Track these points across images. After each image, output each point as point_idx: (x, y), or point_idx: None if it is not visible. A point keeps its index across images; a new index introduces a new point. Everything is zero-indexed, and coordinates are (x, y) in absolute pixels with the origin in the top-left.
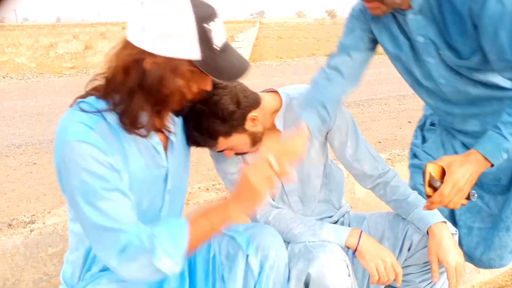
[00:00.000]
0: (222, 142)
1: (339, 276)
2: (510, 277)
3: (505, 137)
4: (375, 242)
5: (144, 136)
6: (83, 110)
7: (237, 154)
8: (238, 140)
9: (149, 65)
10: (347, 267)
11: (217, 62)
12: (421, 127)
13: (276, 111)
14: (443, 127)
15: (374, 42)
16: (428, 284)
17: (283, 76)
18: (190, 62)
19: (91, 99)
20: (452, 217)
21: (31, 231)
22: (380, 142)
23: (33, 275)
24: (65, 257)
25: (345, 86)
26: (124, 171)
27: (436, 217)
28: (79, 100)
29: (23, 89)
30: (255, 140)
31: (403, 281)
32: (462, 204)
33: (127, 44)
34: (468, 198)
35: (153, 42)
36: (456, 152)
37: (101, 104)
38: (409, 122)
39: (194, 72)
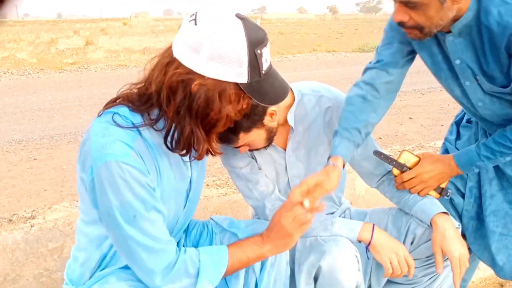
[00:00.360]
0: (242, 138)
1: (350, 271)
2: None
3: (480, 158)
4: (388, 235)
5: (183, 155)
6: (118, 125)
7: (250, 150)
8: (257, 135)
9: (196, 87)
10: (358, 262)
11: (262, 86)
12: (458, 123)
13: (289, 106)
14: (480, 126)
15: (413, 53)
16: (430, 278)
17: (285, 72)
18: (236, 85)
19: (125, 111)
20: (478, 218)
21: (31, 226)
22: (380, 138)
23: (34, 271)
24: (72, 254)
25: (380, 107)
26: (157, 187)
27: (437, 207)
28: (109, 111)
29: (24, 85)
30: (271, 135)
31: (405, 276)
32: (431, 195)
33: (173, 61)
34: (441, 194)
35: (203, 63)
36: None
37: (136, 118)
38: (410, 118)
39: (239, 95)
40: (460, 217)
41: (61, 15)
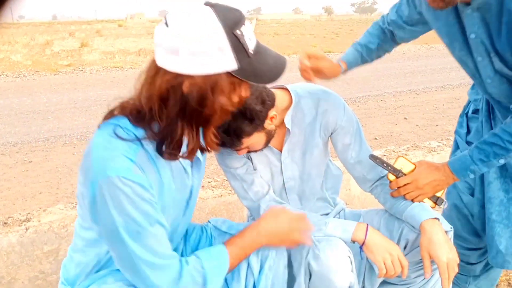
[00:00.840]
0: (244, 142)
1: (343, 271)
2: (504, 272)
3: (473, 161)
4: (381, 235)
5: (180, 158)
6: (120, 137)
7: (248, 151)
8: (257, 138)
9: (187, 88)
10: (351, 263)
11: (255, 66)
12: (467, 114)
13: (286, 108)
14: (485, 113)
15: (419, 27)
16: (424, 279)
17: None
18: (228, 73)
19: (126, 122)
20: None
21: (26, 229)
22: (376, 138)
23: (29, 273)
24: (69, 254)
25: (391, 45)
26: (159, 200)
27: (428, 213)
28: (110, 122)
29: (18, 87)
30: (269, 138)
31: (398, 276)
32: (427, 203)
33: (158, 70)
34: (436, 202)
35: (187, 63)
36: None
37: (139, 131)
38: (405, 118)
39: (233, 83)
40: (471, 213)
41: (56, 17)
